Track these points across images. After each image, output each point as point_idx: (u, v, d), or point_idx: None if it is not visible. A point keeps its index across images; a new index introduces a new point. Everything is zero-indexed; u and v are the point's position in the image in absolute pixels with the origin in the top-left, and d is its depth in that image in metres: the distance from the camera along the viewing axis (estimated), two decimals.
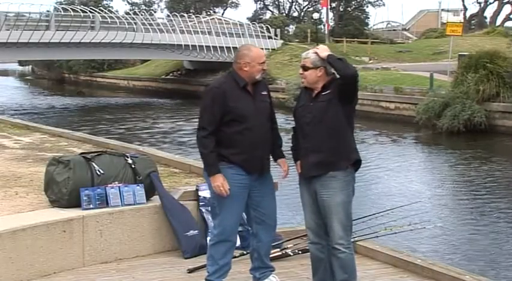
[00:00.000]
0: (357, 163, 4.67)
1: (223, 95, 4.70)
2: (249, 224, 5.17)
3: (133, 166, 5.99)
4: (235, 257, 5.66)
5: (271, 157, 4.96)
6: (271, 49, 42.04)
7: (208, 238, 5.90)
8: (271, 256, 5.68)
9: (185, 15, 43.41)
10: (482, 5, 64.12)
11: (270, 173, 4.98)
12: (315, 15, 49.57)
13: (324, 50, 4.58)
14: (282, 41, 44.49)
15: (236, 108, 4.69)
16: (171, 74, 47.51)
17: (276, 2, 71.99)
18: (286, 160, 4.96)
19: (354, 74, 4.50)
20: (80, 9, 38.42)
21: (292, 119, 4.79)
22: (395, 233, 6.14)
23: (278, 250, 5.86)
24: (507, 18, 63.80)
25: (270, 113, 4.91)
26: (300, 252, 5.78)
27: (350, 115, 4.65)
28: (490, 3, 63.79)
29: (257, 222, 4.97)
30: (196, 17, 45.46)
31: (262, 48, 40.95)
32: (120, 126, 26.20)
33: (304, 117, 4.63)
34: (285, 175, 4.98)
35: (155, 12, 63.06)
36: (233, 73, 4.81)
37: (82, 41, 35.30)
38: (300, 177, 4.75)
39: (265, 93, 4.89)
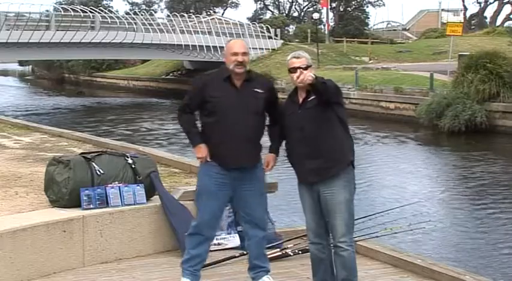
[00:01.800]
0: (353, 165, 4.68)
1: (204, 84, 4.83)
2: (240, 224, 5.19)
3: (133, 166, 5.99)
4: (235, 257, 5.68)
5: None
6: (272, 49, 42.06)
7: None
8: (271, 256, 5.69)
9: (185, 15, 43.41)
10: (482, 5, 64.22)
11: (258, 172, 4.93)
12: (315, 15, 49.49)
13: (307, 75, 4.39)
14: (282, 41, 44.49)
15: (214, 98, 4.74)
16: (171, 74, 47.52)
17: (276, 2, 71.99)
18: (276, 157, 4.94)
19: (335, 94, 4.50)
20: (80, 9, 38.42)
21: None
22: (396, 233, 6.14)
23: (278, 250, 5.86)
24: (507, 18, 63.83)
25: (261, 111, 4.83)
26: (300, 252, 5.78)
27: (341, 114, 4.62)
28: (490, 3, 63.87)
29: (245, 221, 5.01)
30: (196, 17, 45.46)
31: (262, 49, 41.51)
32: (120, 126, 26.20)
33: (295, 125, 4.61)
34: (265, 170, 4.95)
35: (155, 12, 63.12)
36: (223, 66, 4.91)
37: (82, 41, 35.29)
38: (301, 180, 4.75)
39: (260, 90, 4.83)
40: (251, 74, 4.88)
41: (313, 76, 4.38)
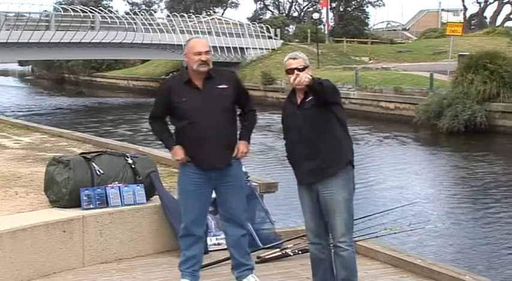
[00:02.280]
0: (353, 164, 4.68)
1: (168, 90, 4.86)
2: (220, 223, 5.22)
3: (133, 166, 5.99)
4: None
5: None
6: (271, 49, 42.06)
7: (208, 238, 5.93)
8: (271, 256, 5.71)
9: (185, 15, 43.42)
10: (482, 5, 64.21)
11: (235, 169, 4.90)
12: (315, 15, 49.51)
13: (304, 77, 4.37)
14: (282, 41, 44.48)
15: (179, 103, 4.74)
16: (171, 74, 47.25)
17: (276, 2, 71.98)
18: (247, 143, 4.91)
19: (333, 94, 4.48)
20: (80, 9, 38.42)
21: None
22: (395, 233, 6.14)
23: (278, 250, 5.86)
24: (507, 18, 63.84)
25: (230, 106, 4.81)
26: (300, 252, 5.78)
27: (339, 114, 4.61)
28: (490, 3, 63.86)
29: (224, 219, 5.03)
30: (196, 17, 45.45)
31: (262, 48, 41.49)
32: (120, 126, 26.20)
33: (294, 126, 4.61)
34: (235, 155, 4.86)
35: (155, 12, 63.11)
36: (184, 69, 4.90)
37: (82, 41, 35.30)
38: (300, 181, 4.75)
39: (224, 86, 4.78)
40: (210, 71, 4.78)
41: (310, 77, 4.37)
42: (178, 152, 4.81)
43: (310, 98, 4.55)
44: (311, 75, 4.40)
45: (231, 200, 4.93)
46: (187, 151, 4.79)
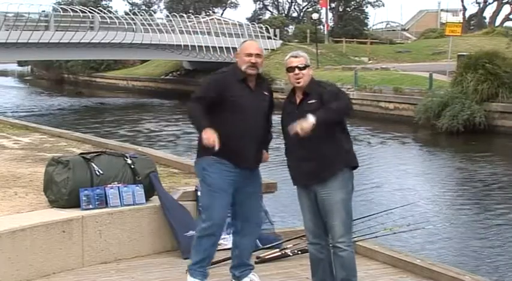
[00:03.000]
0: (352, 166, 4.67)
1: (223, 81, 4.78)
2: (233, 221, 5.15)
3: (132, 166, 5.99)
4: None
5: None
6: (271, 49, 42.01)
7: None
8: (270, 256, 5.71)
9: (184, 15, 43.39)
10: (481, 5, 64.26)
11: (258, 172, 5.00)
12: (315, 16, 49.45)
13: (309, 122, 4.30)
14: (281, 42, 44.49)
15: (233, 97, 4.71)
16: (170, 75, 47.51)
17: (276, 3, 72.02)
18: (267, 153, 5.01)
19: (348, 109, 4.49)
20: (79, 10, 38.41)
21: None
22: (395, 233, 6.14)
23: (278, 250, 5.86)
24: (506, 19, 63.88)
25: (268, 113, 4.91)
26: (299, 252, 5.78)
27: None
28: (489, 4, 63.92)
29: (243, 220, 5.00)
30: (195, 17, 45.47)
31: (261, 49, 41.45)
32: (120, 127, 26.19)
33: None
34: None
35: (155, 12, 63.10)
36: (235, 65, 4.86)
37: (81, 41, 35.28)
38: (298, 182, 4.75)
39: (266, 93, 4.91)
40: (261, 76, 4.90)
41: (312, 121, 4.28)
42: (211, 136, 4.51)
43: (310, 99, 4.55)
44: (313, 116, 4.29)
45: (254, 201, 4.96)
46: (229, 146, 4.66)
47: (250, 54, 4.75)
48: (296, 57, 4.63)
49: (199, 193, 6.10)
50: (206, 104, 4.70)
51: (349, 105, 4.57)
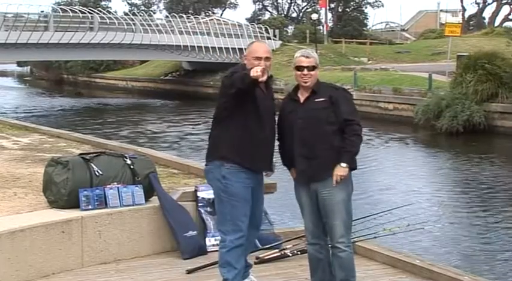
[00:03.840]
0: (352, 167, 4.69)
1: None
2: None
3: (132, 167, 5.99)
4: None
5: None
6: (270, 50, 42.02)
7: (207, 239, 5.92)
8: (270, 256, 5.71)
9: (184, 16, 43.39)
10: (480, 5, 64.30)
11: (263, 175, 4.98)
12: (314, 16, 49.40)
13: (342, 171, 4.52)
14: (280, 42, 44.48)
15: (251, 100, 4.57)
16: (170, 75, 47.49)
17: (275, 3, 72.01)
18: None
19: (361, 138, 4.61)
20: (79, 10, 38.40)
21: None
22: (394, 233, 6.14)
23: (277, 250, 5.86)
24: (506, 19, 63.90)
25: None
26: (298, 253, 5.78)
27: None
28: (489, 4, 63.96)
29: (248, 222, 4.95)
30: (195, 17, 45.46)
31: None
32: (119, 127, 26.17)
33: (296, 124, 4.60)
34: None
35: (154, 13, 63.11)
36: (243, 67, 4.71)
37: (81, 41, 35.27)
38: (297, 180, 4.75)
39: (272, 93, 4.89)
40: (269, 78, 4.71)
41: (345, 167, 4.51)
42: (257, 68, 4.34)
43: (321, 99, 4.55)
44: (343, 165, 4.50)
45: (260, 204, 4.95)
46: (249, 151, 4.58)
47: (259, 58, 4.59)
48: (307, 57, 4.62)
49: (198, 194, 6.09)
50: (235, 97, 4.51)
51: (361, 131, 4.64)
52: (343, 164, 4.51)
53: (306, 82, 4.60)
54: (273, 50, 41.81)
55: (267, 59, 4.63)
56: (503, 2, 62.75)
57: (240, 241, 4.72)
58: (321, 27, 54.08)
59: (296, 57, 4.65)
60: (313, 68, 4.59)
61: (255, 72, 4.30)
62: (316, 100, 4.58)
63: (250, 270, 5.10)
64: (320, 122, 4.53)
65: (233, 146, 4.62)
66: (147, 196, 5.99)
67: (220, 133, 4.71)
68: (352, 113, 4.61)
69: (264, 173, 4.91)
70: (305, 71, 4.58)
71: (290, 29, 61.51)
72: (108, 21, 38.13)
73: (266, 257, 5.74)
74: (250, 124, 4.61)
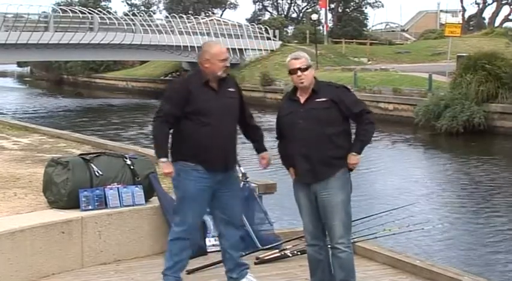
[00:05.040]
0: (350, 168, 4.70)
1: (186, 89, 4.78)
2: (215, 226, 5.16)
3: (132, 167, 5.99)
4: None
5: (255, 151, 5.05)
6: (270, 50, 42.08)
7: (207, 239, 5.92)
8: (270, 257, 5.71)
9: (184, 16, 43.40)
10: (480, 6, 64.31)
11: (235, 173, 5.03)
12: (314, 16, 49.36)
13: (354, 159, 4.61)
14: (280, 42, 44.49)
15: (198, 103, 4.72)
16: (169, 75, 47.44)
17: (275, 3, 71.96)
18: (268, 153, 5.02)
19: (374, 126, 4.80)
20: (79, 10, 38.41)
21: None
22: (394, 234, 6.14)
23: (277, 251, 5.86)
24: (506, 19, 63.91)
25: (239, 110, 4.90)
26: (298, 253, 5.78)
27: (347, 119, 4.67)
28: (489, 4, 63.96)
29: (224, 223, 5.01)
30: (195, 18, 45.46)
31: (261, 50, 41.49)
32: (119, 127, 26.17)
33: (296, 124, 4.59)
34: (263, 168, 5.06)
35: (154, 13, 63.10)
36: (198, 70, 4.88)
37: (81, 42, 35.29)
38: (296, 180, 4.75)
39: (233, 89, 4.89)
40: (226, 78, 4.88)
41: (358, 158, 4.61)
42: (170, 166, 4.75)
43: (322, 99, 4.55)
44: (354, 153, 4.60)
45: (233, 203, 4.96)
46: (201, 151, 4.72)
47: (225, 60, 4.79)
48: (297, 58, 4.63)
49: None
50: (177, 116, 4.76)
51: (372, 118, 4.79)
52: (355, 153, 4.58)
53: (302, 82, 4.60)
54: (272, 50, 42.32)
55: (227, 59, 4.84)
56: (503, 2, 62.75)
57: (182, 234, 4.87)
58: (321, 27, 54.06)
59: (287, 62, 4.69)
60: (306, 68, 4.59)
61: (169, 170, 4.75)
62: (317, 100, 4.58)
63: (249, 270, 5.10)
64: (321, 122, 4.53)
65: (184, 145, 4.78)
66: (147, 197, 6.00)
67: (174, 132, 4.86)
68: (358, 103, 4.68)
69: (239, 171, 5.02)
70: (299, 73, 4.58)
71: (290, 30, 61.48)
72: (108, 21, 38.14)
73: (266, 258, 5.74)
74: (198, 127, 4.73)
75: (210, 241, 5.96)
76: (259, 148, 5.04)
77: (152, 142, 4.93)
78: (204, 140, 4.72)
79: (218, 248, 5.83)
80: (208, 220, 5.97)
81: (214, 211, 5.03)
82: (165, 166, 4.76)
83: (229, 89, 4.87)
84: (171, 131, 4.85)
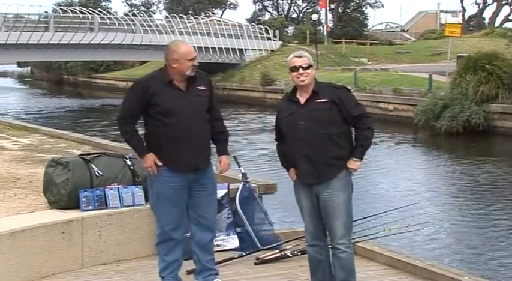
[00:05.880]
0: None
1: (147, 89, 4.73)
2: (189, 225, 5.11)
3: (132, 167, 5.99)
4: (234, 258, 5.68)
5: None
6: (270, 50, 42.07)
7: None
8: (270, 257, 5.70)
9: (184, 16, 43.39)
10: (481, 6, 64.32)
11: (210, 173, 4.94)
12: (314, 17, 49.33)
13: (355, 165, 4.62)
14: (280, 42, 44.47)
15: (160, 103, 4.68)
16: None
17: (275, 4, 71.93)
18: (229, 157, 4.99)
19: (373, 131, 4.82)
20: (79, 11, 38.40)
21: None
22: (394, 234, 6.14)
23: (277, 251, 5.86)
24: (506, 19, 63.93)
25: (208, 108, 4.84)
26: (299, 253, 5.78)
27: (347, 120, 4.67)
28: (489, 5, 63.97)
29: (195, 223, 4.97)
30: (195, 18, 45.46)
31: (261, 50, 41.49)
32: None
33: (297, 125, 4.58)
34: (219, 172, 5.05)
35: (154, 13, 63.09)
36: (163, 69, 4.82)
37: (81, 42, 35.29)
38: (297, 181, 4.74)
39: (202, 88, 4.83)
40: (194, 77, 4.82)
41: (359, 163, 4.63)
42: (151, 159, 4.73)
43: (324, 100, 4.55)
44: (355, 159, 4.61)
45: (206, 204, 4.91)
46: (168, 152, 4.70)
47: (193, 59, 4.72)
48: (300, 57, 4.63)
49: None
50: (137, 117, 4.77)
51: (371, 123, 4.82)
52: (356, 158, 4.60)
53: (302, 81, 4.59)
54: (272, 50, 42.30)
55: (195, 58, 4.77)
56: (504, 2, 62.76)
57: (164, 236, 4.87)
58: (321, 27, 54.05)
59: (289, 60, 4.68)
60: (308, 67, 4.59)
61: (149, 164, 4.74)
62: (318, 101, 4.57)
63: (218, 277, 5.05)
64: (323, 123, 4.53)
65: (152, 146, 4.78)
66: (147, 197, 5.99)
67: (144, 132, 4.86)
68: (357, 107, 4.68)
69: (217, 171, 4.98)
70: (300, 70, 4.57)
71: (290, 30, 61.41)
72: (108, 21, 38.13)
73: (266, 258, 5.74)
74: (162, 127, 4.71)
75: None
76: (220, 150, 4.97)
77: (128, 145, 4.95)
78: (168, 141, 4.70)
79: (218, 249, 5.84)
80: None
81: (189, 210, 4.95)
82: (146, 159, 4.76)
83: (199, 88, 4.80)
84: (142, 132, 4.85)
